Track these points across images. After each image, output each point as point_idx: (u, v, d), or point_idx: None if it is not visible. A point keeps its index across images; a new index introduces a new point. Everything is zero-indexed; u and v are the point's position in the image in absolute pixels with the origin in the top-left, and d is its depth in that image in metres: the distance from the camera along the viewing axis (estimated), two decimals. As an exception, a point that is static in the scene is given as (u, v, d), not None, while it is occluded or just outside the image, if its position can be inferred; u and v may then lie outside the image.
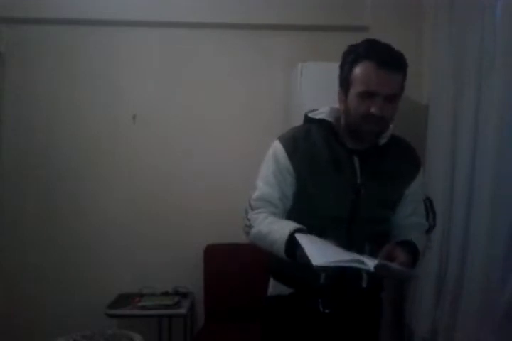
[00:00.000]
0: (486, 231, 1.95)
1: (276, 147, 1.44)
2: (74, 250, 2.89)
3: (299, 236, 1.22)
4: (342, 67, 1.37)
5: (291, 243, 1.24)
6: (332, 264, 1.11)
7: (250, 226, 1.39)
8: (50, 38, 2.88)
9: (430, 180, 2.39)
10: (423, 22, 2.79)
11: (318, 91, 2.50)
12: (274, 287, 1.52)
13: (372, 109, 1.29)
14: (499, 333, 1.85)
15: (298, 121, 1.55)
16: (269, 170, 1.43)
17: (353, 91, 1.32)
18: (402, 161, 1.45)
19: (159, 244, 2.89)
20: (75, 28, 2.87)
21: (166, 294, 2.74)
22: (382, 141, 1.41)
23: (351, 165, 1.39)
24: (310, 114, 1.49)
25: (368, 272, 1.15)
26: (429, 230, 1.47)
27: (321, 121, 1.45)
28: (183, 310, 2.58)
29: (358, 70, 1.31)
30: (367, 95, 1.30)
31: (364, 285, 1.42)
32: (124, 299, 2.69)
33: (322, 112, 1.47)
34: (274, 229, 1.32)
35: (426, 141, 2.47)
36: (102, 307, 2.58)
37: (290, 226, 1.30)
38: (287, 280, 1.47)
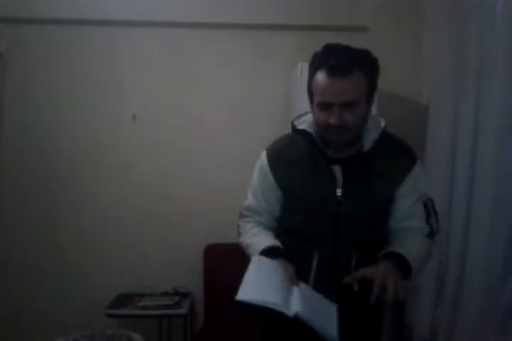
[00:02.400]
0: (486, 231, 1.95)
1: (262, 159, 1.50)
2: (74, 250, 2.88)
3: (254, 262, 1.30)
4: (308, 77, 1.37)
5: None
6: (252, 302, 1.15)
7: (239, 233, 1.52)
8: (50, 38, 2.88)
9: (430, 180, 2.39)
10: (423, 22, 2.79)
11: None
12: None
13: (330, 120, 1.29)
14: (499, 333, 1.85)
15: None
16: (256, 182, 1.51)
17: (314, 103, 1.34)
18: (390, 163, 1.41)
19: (159, 244, 2.89)
20: (75, 28, 2.87)
21: (166, 294, 2.74)
22: (367, 146, 1.39)
23: (331, 175, 1.39)
24: (296, 122, 1.49)
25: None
26: (432, 234, 1.41)
27: (302, 132, 1.45)
28: (183, 310, 2.58)
29: (314, 81, 1.32)
30: (324, 106, 1.30)
31: (356, 288, 1.39)
32: (124, 299, 2.69)
33: (304, 121, 1.47)
34: (253, 243, 1.41)
35: (426, 141, 2.47)
36: (102, 307, 2.58)
37: (263, 244, 1.37)
38: None
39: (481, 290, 1.97)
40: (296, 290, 1.26)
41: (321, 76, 1.29)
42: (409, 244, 1.37)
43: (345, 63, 1.27)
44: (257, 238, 1.42)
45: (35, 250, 2.88)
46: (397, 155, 1.44)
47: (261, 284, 1.23)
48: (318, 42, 3.12)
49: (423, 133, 2.51)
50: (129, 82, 2.92)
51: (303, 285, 1.32)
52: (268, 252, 1.35)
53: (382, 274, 1.21)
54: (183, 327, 2.74)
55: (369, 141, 1.39)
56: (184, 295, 2.74)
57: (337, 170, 1.39)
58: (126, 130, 2.91)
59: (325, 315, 1.25)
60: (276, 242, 1.41)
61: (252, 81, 2.94)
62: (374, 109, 2.48)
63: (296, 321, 1.25)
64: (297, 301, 1.20)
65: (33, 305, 2.85)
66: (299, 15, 2.85)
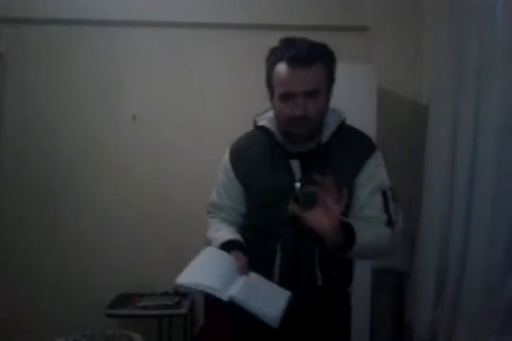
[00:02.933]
0: (486, 231, 1.95)
1: (225, 156, 1.53)
2: (74, 250, 2.89)
3: (205, 250, 1.38)
4: (266, 70, 1.39)
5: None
6: (191, 286, 1.24)
7: (205, 229, 1.56)
8: (50, 38, 2.88)
9: (430, 180, 2.40)
10: (423, 22, 2.79)
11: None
12: None
13: (295, 111, 1.30)
14: (499, 333, 1.85)
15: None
16: (219, 179, 1.54)
17: (276, 95, 1.35)
18: (347, 155, 1.41)
19: (159, 244, 2.89)
20: (75, 28, 2.87)
21: (166, 294, 2.75)
22: (324, 139, 1.40)
23: (288, 169, 1.40)
24: (257, 119, 1.52)
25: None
26: (391, 223, 1.38)
27: (262, 128, 1.47)
28: (183, 310, 2.58)
29: (274, 74, 1.33)
30: (287, 97, 1.31)
31: (320, 283, 1.41)
32: (124, 299, 2.69)
33: (265, 117, 1.49)
34: (215, 238, 1.45)
35: (426, 141, 2.47)
36: (102, 307, 2.58)
37: (224, 238, 1.40)
38: None
39: (481, 290, 1.97)
40: (242, 278, 1.30)
41: (282, 67, 1.31)
42: (365, 230, 1.32)
43: (306, 53, 1.29)
44: (220, 233, 1.46)
45: (35, 250, 2.88)
46: (354, 146, 1.43)
47: (204, 270, 1.30)
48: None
49: (423, 133, 2.51)
50: (129, 82, 2.92)
51: (253, 274, 1.34)
52: (227, 246, 1.38)
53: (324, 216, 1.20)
54: (183, 327, 2.74)
55: (327, 134, 1.41)
56: (184, 295, 2.74)
57: (295, 164, 1.40)
58: (126, 130, 2.92)
59: (269, 301, 1.27)
60: (237, 236, 1.44)
61: (252, 81, 2.93)
62: (374, 109, 2.50)
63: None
64: (236, 287, 1.25)
65: (33, 305, 2.86)
66: (299, 15, 2.85)
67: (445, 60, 2.34)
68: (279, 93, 1.33)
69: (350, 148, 1.42)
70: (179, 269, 3.12)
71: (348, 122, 2.63)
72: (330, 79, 1.35)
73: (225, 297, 1.22)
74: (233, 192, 1.50)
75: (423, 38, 2.81)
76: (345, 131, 1.44)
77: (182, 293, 2.75)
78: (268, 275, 1.39)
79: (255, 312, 1.23)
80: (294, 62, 1.28)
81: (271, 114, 1.46)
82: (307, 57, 1.28)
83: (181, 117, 2.93)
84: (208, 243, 1.48)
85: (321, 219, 1.20)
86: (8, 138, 2.91)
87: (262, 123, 1.48)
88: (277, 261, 1.41)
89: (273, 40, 3.16)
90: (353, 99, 2.51)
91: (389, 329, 2.67)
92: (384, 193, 1.40)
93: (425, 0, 2.76)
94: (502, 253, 1.90)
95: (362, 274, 2.49)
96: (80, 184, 2.91)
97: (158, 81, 2.93)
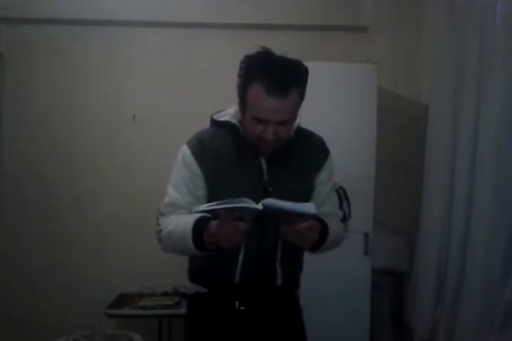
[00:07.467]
0: (486, 231, 1.95)
1: (184, 152, 1.45)
2: (74, 250, 2.89)
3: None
4: (239, 77, 1.33)
5: (198, 229, 1.28)
6: (217, 206, 1.17)
7: (160, 231, 1.42)
8: (50, 38, 2.88)
9: (430, 180, 2.40)
10: (423, 22, 2.79)
11: (317, 92, 2.50)
12: (193, 285, 1.54)
13: (266, 135, 1.30)
14: (499, 333, 1.85)
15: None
16: (179, 175, 1.47)
17: (248, 112, 1.32)
18: (308, 154, 1.46)
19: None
20: (74, 28, 2.87)
21: (165, 294, 2.75)
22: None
23: (258, 165, 1.41)
24: (215, 116, 1.49)
25: (259, 213, 1.21)
26: (344, 219, 1.49)
27: (225, 123, 1.45)
28: (183, 310, 2.58)
29: (249, 94, 1.29)
30: (261, 121, 1.30)
31: (279, 283, 1.43)
32: (124, 299, 2.69)
33: (227, 114, 1.47)
34: (181, 222, 1.35)
35: (426, 141, 2.47)
36: (102, 307, 2.58)
37: (195, 215, 1.31)
38: (203, 281, 1.49)
39: (481, 291, 1.97)
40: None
41: (258, 91, 1.26)
42: (332, 225, 1.40)
43: (285, 82, 1.26)
44: (185, 217, 1.36)
45: (36, 250, 2.88)
46: (313, 146, 1.50)
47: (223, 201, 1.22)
48: (318, 42, 3.13)
49: (423, 133, 2.51)
50: (129, 81, 2.92)
51: None
52: (204, 220, 1.29)
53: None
54: (183, 327, 2.73)
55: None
56: (184, 295, 2.74)
57: (262, 160, 1.42)
58: (126, 130, 2.92)
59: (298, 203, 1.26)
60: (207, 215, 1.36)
61: (252, 81, 2.94)
62: (374, 109, 2.50)
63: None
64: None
65: (33, 305, 2.86)
66: (299, 15, 2.85)
67: (445, 60, 2.35)
68: (253, 115, 1.31)
69: (310, 150, 1.48)
70: (179, 269, 3.11)
71: (349, 122, 2.64)
72: (301, 100, 1.34)
73: (258, 206, 1.18)
74: (195, 188, 1.44)
75: (423, 38, 2.81)
76: (301, 132, 1.47)
77: (182, 293, 2.75)
78: (229, 276, 1.40)
79: (294, 208, 1.21)
80: (271, 91, 1.24)
81: (231, 111, 1.46)
82: (285, 86, 1.25)
83: (181, 117, 2.92)
84: (170, 234, 1.37)
85: (306, 236, 1.27)
86: (8, 138, 2.91)
87: (225, 118, 1.46)
88: (240, 260, 1.40)
89: (273, 40, 3.15)
90: (353, 99, 2.51)
91: (389, 329, 2.67)
92: (338, 192, 1.51)
93: (425, 0, 2.76)
94: (502, 254, 1.90)
95: (362, 274, 2.50)
96: (80, 183, 2.91)
97: (158, 81, 2.93)
